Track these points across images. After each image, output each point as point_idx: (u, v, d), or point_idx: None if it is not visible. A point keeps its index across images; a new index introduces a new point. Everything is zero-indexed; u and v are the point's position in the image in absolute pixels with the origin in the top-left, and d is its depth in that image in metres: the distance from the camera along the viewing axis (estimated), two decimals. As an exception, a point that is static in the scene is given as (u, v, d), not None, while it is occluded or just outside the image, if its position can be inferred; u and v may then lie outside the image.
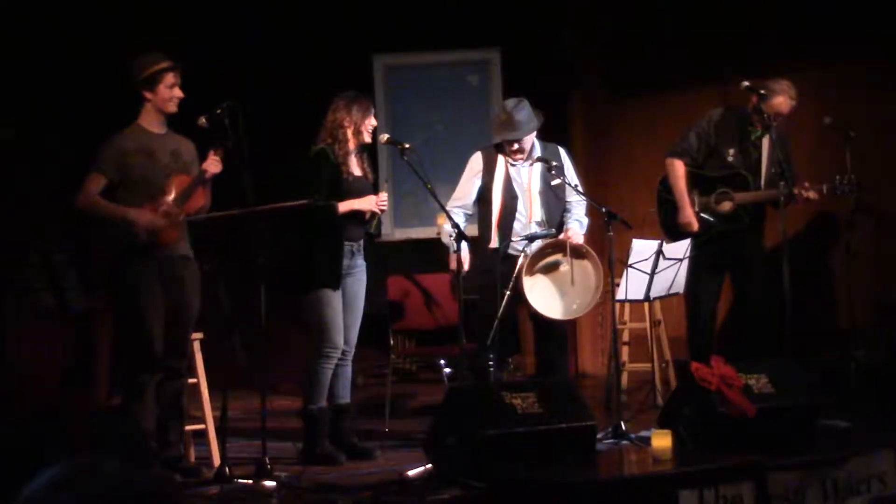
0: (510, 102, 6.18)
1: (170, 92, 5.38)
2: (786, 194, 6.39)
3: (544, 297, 6.03)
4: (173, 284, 5.40)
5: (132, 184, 5.33)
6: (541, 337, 6.31)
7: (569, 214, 6.25)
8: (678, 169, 6.72)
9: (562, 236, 6.11)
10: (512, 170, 6.19)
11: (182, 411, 5.60)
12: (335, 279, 5.72)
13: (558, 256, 6.08)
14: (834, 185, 6.53)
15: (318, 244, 5.75)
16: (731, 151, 6.64)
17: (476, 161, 6.24)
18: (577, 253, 6.06)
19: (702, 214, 6.66)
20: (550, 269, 6.09)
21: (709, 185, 6.67)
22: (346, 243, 5.78)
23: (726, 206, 6.62)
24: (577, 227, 6.17)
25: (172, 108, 5.42)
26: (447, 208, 5.97)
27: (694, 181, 6.71)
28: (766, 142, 6.65)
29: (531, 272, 5.97)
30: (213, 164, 5.41)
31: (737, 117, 6.70)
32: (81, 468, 1.75)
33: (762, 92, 6.44)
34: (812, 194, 6.47)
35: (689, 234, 6.52)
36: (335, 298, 5.73)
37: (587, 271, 6.04)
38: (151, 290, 5.31)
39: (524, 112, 6.10)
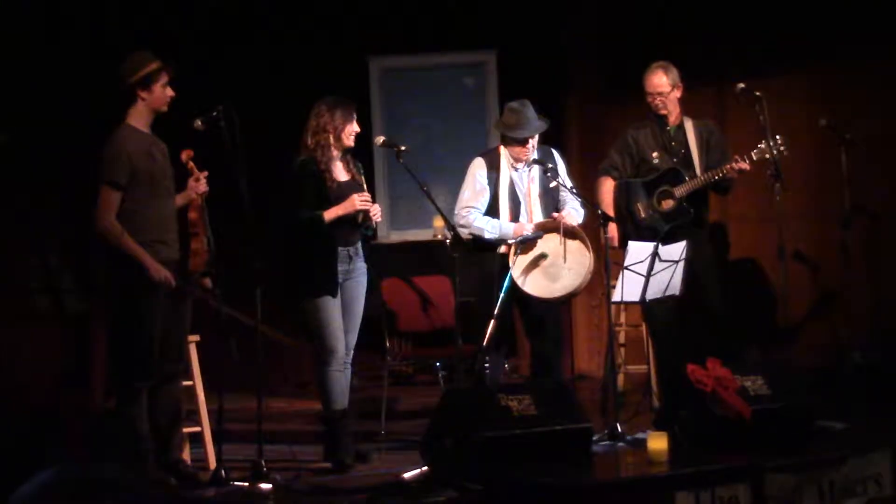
0: (514, 104, 6.17)
1: (164, 92, 5.38)
2: (725, 173, 6.43)
3: (536, 279, 6.05)
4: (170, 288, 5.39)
5: (138, 184, 5.29)
6: (535, 334, 6.29)
7: (563, 206, 6.26)
8: (602, 185, 6.78)
9: (555, 215, 6.12)
10: (514, 175, 6.20)
11: (180, 414, 5.59)
12: (331, 286, 5.71)
13: (549, 236, 6.09)
14: (761, 150, 6.46)
15: (311, 253, 5.72)
16: (654, 155, 6.68)
17: (480, 166, 6.22)
18: (568, 234, 6.08)
19: (650, 225, 6.63)
20: (541, 250, 6.10)
21: (650, 190, 6.67)
22: (342, 248, 5.76)
23: (669, 203, 6.62)
24: (572, 211, 6.19)
25: (165, 107, 5.42)
26: (458, 210, 6.14)
27: (636, 190, 6.70)
28: (690, 130, 6.67)
29: (520, 254, 6.00)
30: (204, 185, 5.47)
31: (652, 120, 6.74)
32: (77, 471, 1.75)
33: (758, 94, 6.42)
34: (743, 164, 6.43)
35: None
36: (332, 304, 5.71)
37: (579, 250, 6.07)
38: (154, 296, 5.30)
39: (532, 110, 6.13)
